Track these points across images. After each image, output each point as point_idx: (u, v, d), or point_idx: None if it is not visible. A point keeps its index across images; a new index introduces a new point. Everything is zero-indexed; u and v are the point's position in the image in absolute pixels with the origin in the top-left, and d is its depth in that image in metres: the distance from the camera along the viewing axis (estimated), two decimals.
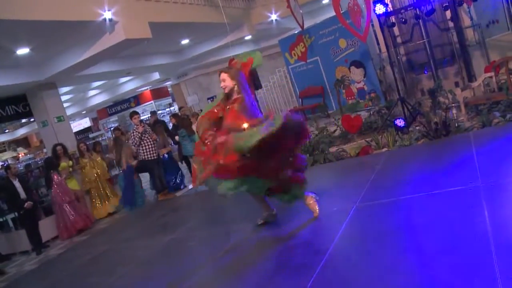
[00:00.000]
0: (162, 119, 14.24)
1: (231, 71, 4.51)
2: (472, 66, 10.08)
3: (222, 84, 4.48)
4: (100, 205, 9.68)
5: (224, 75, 4.48)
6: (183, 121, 10.02)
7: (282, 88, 15.52)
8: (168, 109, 21.86)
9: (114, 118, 22.62)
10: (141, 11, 9.35)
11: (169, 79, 18.82)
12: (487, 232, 3.26)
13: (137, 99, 21.12)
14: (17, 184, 8.56)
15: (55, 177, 9.06)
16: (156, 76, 17.23)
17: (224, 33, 13.17)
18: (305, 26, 12.05)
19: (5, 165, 12.28)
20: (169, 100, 22.25)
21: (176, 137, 10.00)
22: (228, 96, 4.51)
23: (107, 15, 8.32)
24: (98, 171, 9.77)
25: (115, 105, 21.73)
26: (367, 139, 8.35)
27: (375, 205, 4.59)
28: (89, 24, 8.31)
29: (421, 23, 10.26)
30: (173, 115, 11.12)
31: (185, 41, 13.87)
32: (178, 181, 10.14)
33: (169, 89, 21.68)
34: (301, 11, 11.52)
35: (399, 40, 10.81)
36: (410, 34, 10.55)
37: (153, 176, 9.43)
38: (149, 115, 13.78)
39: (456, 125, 7.30)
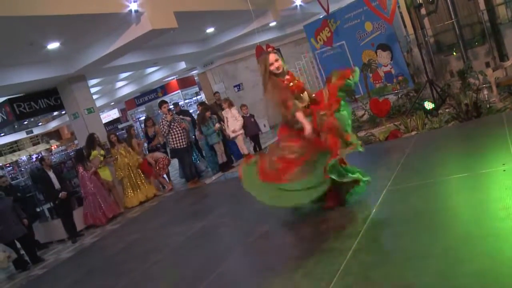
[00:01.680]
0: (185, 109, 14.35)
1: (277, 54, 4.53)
2: (504, 45, 9.79)
3: (276, 64, 4.41)
4: (132, 194, 9.89)
5: (275, 56, 4.47)
6: (212, 106, 10.14)
7: (308, 74, 15.42)
8: (195, 98, 21.98)
9: (142, 108, 22.91)
10: (166, 1, 9.41)
11: (195, 68, 18.89)
12: None
13: (164, 89, 21.31)
14: (51, 175, 8.81)
15: (81, 169, 9.29)
16: (183, 65, 17.33)
17: (249, 20, 13.11)
18: (330, 10, 11.90)
19: (39, 157, 12.62)
20: (196, 89, 22.38)
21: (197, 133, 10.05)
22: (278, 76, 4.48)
23: (133, 6, 8.40)
24: (129, 161, 9.96)
25: (143, 95, 21.98)
26: (395, 123, 8.26)
27: (407, 188, 4.55)
28: (115, 16, 8.42)
29: (449, 3, 10.00)
30: (201, 104, 11.21)
31: (210, 30, 13.86)
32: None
33: (195, 78, 21.78)
34: None
35: (426, 21, 10.58)
36: (437, 10, 10.29)
37: (183, 164, 9.55)
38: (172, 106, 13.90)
39: (488, 106, 7.14)
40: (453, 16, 10.15)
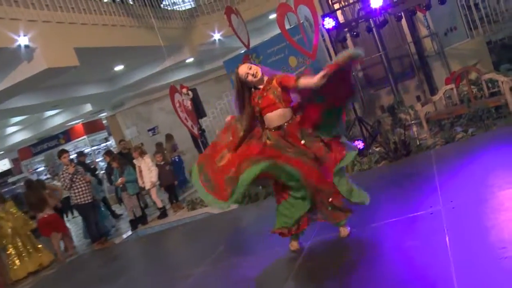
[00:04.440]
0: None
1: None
2: (433, 78, 10.57)
3: (252, 71, 4.38)
4: (19, 263, 9.15)
5: (247, 65, 4.45)
6: (126, 156, 10.03)
7: (231, 115, 15.61)
8: (104, 144, 21.48)
9: (40, 157, 22.00)
10: (65, 36, 9.26)
11: (103, 110, 18.59)
12: (449, 260, 3.41)
13: (68, 134, 20.63)
14: None
15: None
16: (88, 107, 16.99)
17: (163, 57, 13.23)
18: (252, 45, 12.26)
19: None
20: (105, 134, 21.90)
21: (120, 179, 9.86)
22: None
23: (23, 41, 8.16)
24: (14, 224, 9.24)
25: (41, 142, 21.11)
26: None
27: (331, 239, 4.68)
28: (2, 51, 8.16)
29: (375, 36, 10.70)
30: (107, 153, 11.04)
31: (119, 68, 13.80)
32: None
33: (104, 122, 21.39)
34: (246, 28, 11.74)
35: None
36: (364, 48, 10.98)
37: (88, 222, 9.24)
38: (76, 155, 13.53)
39: (418, 143, 7.60)
40: (380, 49, 10.84)
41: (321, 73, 3.87)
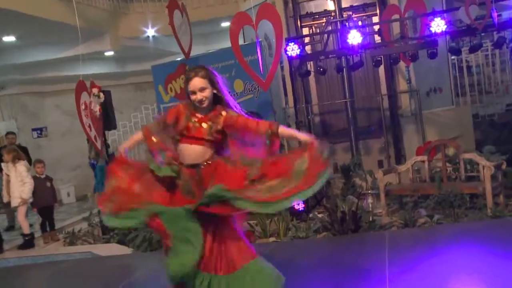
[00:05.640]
0: None
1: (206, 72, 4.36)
2: (402, 142, 10.85)
3: (199, 96, 4.27)
4: None
5: (202, 83, 4.28)
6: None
7: None
8: None
9: None
10: None
11: None
12: None
13: None
14: None
15: None
16: None
17: (75, 41, 12.91)
18: (193, 53, 12.21)
19: None
20: None
21: None
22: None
23: None
24: None
25: None
26: (251, 221, 8.46)
27: None
28: None
29: (345, 77, 10.92)
30: None
31: (8, 38, 13.30)
32: None
33: None
34: (191, 31, 11.68)
35: (314, 94, 11.36)
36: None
37: None
38: None
39: (371, 219, 7.68)
40: (347, 95, 11.04)
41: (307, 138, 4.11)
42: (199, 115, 4.35)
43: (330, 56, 9.67)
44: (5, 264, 8.77)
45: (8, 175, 9.53)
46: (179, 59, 13.47)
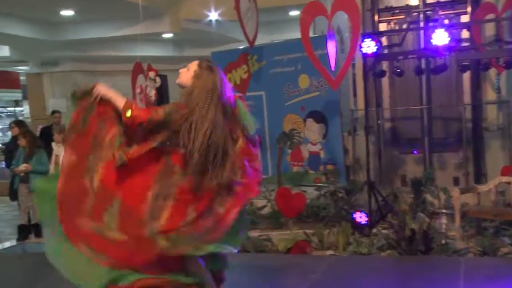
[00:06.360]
0: None
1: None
2: (484, 159, 10.45)
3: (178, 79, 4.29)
4: None
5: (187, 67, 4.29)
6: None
7: None
8: (12, 109, 21.06)
9: None
10: None
11: (25, 63, 18.27)
12: None
13: None
14: None
15: None
16: (5, 52, 16.64)
17: (134, 19, 13.07)
18: (256, 43, 12.19)
19: None
20: (18, 95, 21.52)
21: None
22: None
23: None
24: None
25: None
26: (307, 231, 8.40)
27: None
28: None
29: (423, 81, 10.68)
30: (17, 123, 10.75)
31: (67, 13, 13.58)
32: None
33: (21, 79, 21.00)
34: (257, 18, 11.64)
35: (385, 97, 11.17)
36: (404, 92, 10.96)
37: None
38: None
39: (443, 242, 7.51)
40: (424, 101, 10.79)
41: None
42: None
43: (410, 56, 9.46)
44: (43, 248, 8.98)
45: (57, 156, 9.67)
46: (241, 47, 13.46)
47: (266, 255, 7.81)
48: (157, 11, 13.37)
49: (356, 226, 8.27)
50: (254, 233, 8.52)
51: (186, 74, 4.20)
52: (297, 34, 11.20)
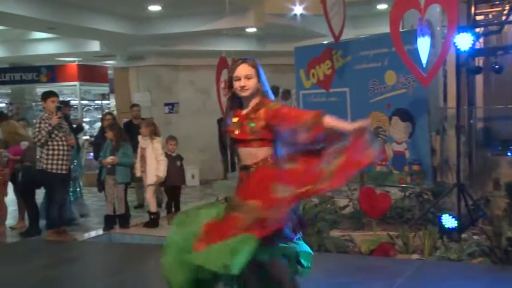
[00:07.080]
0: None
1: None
2: None
3: (242, 83, 4.38)
4: None
5: (248, 69, 4.40)
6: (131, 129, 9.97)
7: None
8: (99, 102, 21.56)
9: (5, 89, 22.16)
10: None
11: (113, 57, 18.68)
12: None
13: (53, 71, 20.76)
14: None
15: None
16: (96, 47, 17.01)
17: (219, 14, 13.20)
18: (341, 38, 12.11)
19: None
20: (106, 89, 22.02)
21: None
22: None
23: None
24: None
25: (13, 70, 21.26)
26: (391, 233, 8.32)
27: None
28: None
29: None
30: (106, 115, 11.02)
31: (154, 8, 13.82)
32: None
33: (109, 73, 21.49)
34: (344, 13, 11.54)
35: (479, 96, 10.88)
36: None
37: (52, 200, 9.22)
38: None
39: None
40: None
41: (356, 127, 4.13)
42: (239, 112, 4.47)
43: (510, 51, 9.14)
44: (129, 239, 9.34)
45: (143, 149, 9.86)
46: (325, 42, 13.42)
47: (348, 256, 7.77)
48: (242, 5, 13.44)
49: (444, 230, 8.10)
50: (335, 233, 8.50)
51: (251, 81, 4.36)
52: (384, 29, 11.09)
